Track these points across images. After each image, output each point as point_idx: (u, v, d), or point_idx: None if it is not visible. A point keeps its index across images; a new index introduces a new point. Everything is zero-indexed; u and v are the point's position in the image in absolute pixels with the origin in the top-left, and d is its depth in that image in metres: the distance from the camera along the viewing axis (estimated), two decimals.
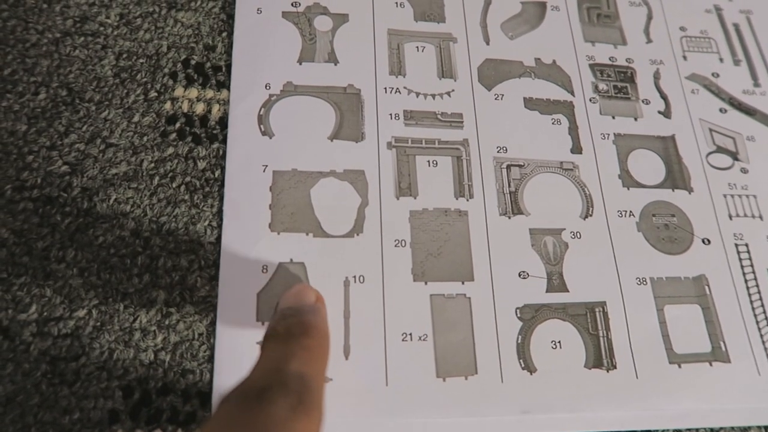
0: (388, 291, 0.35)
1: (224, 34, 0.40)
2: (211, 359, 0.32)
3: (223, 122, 0.38)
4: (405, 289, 0.35)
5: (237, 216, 0.35)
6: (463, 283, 0.36)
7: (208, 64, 0.39)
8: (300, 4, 0.42)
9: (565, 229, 0.38)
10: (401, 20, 0.43)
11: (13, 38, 0.38)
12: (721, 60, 0.46)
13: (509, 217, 0.38)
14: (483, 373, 0.34)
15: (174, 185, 0.36)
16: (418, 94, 0.40)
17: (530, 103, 0.41)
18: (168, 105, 0.38)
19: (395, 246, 0.36)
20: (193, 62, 0.39)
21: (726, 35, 0.47)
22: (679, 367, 0.36)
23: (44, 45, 0.38)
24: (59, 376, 0.31)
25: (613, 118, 0.42)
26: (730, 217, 0.40)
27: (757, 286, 0.38)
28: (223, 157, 0.37)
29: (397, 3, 0.43)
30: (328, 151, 0.38)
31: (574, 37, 0.44)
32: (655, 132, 0.42)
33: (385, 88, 0.40)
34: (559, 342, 0.35)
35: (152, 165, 0.36)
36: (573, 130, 0.41)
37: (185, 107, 0.38)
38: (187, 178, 0.36)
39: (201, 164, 0.36)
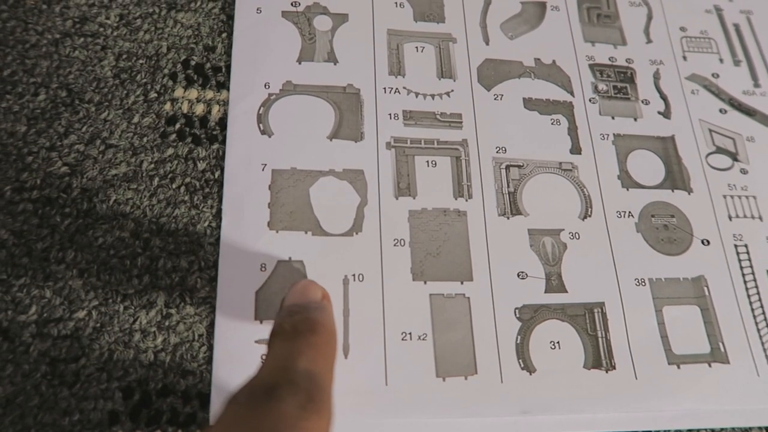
0: (387, 290, 0.35)
1: (224, 35, 0.40)
2: (211, 360, 0.32)
3: (222, 123, 0.38)
4: (404, 288, 0.35)
5: (236, 214, 0.35)
6: (462, 282, 0.36)
7: (208, 65, 0.39)
8: (300, 4, 0.42)
9: (564, 229, 0.38)
10: (401, 20, 0.42)
11: (12, 39, 0.38)
12: (721, 60, 0.46)
13: (508, 218, 0.38)
14: (483, 373, 0.34)
15: (174, 186, 0.36)
16: (417, 94, 0.40)
17: (530, 104, 0.41)
18: (168, 106, 0.38)
19: (394, 245, 0.36)
20: (192, 63, 0.39)
21: (726, 35, 0.47)
22: (678, 368, 0.36)
23: (44, 46, 0.38)
24: (59, 377, 0.31)
25: (613, 118, 0.42)
26: (730, 217, 0.40)
27: (757, 287, 0.38)
28: (223, 157, 0.37)
29: (396, 3, 0.43)
30: (327, 150, 0.38)
31: (574, 38, 0.44)
32: (655, 132, 0.42)
33: (385, 88, 0.40)
34: (558, 342, 0.35)
35: (152, 166, 0.36)
36: (572, 130, 0.41)
37: (185, 108, 0.38)
38: (187, 179, 0.36)
39: (201, 165, 0.36)
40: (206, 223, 0.35)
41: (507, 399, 0.34)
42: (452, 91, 0.41)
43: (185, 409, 0.32)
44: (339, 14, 0.42)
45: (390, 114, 0.39)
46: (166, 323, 0.33)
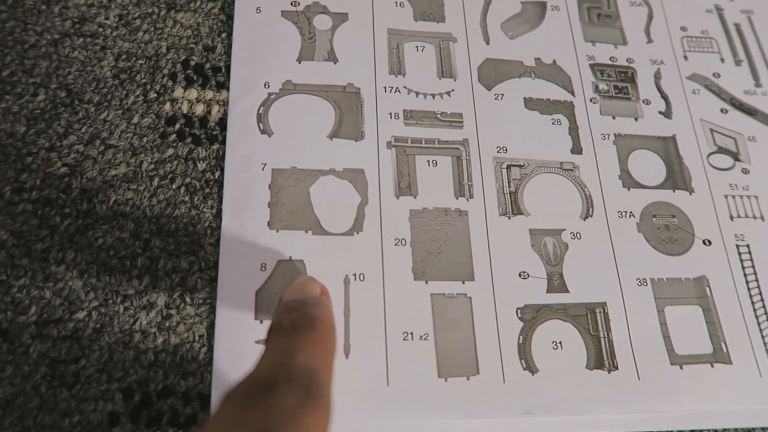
0: (388, 290, 0.35)
1: (224, 35, 0.40)
2: (211, 361, 0.32)
3: (222, 123, 0.38)
4: (405, 288, 0.35)
5: (236, 214, 0.35)
6: (463, 282, 0.36)
7: (208, 65, 0.39)
8: (299, 3, 0.42)
9: (565, 229, 0.38)
10: (401, 20, 0.42)
11: (11, 39, 0.38)
12: (722, 60, 0.46)
13: (509, 218, 0.38)
14: (484, 373, 0.34)
15: (174, 187, 0.36)
16: (417, 94, 0.40)
17: (530, 103, 0.41)
18: (167, 106, 0.38)
19: (395, 244, 0.36)
20: (192, 63, 0.39)
21: (727, 35, 0.47)
22: (681, 368, 0.36)
23: (43, 46, 0.38)
24: (59, 378, 0.31)
25: (614, 118, 0.42)
26: (731, 217, 0.40)
27: (759, 287, 0.38)
28: (223, 157, 0.37)
29: (396, 2, 0.43)
30: (327, 149, 0.38)
31: (575, 37, 0.44)
32: (656, 132, 0.42)
33: (385, 88, 0.40)
34: (560, 343, 0.35)
35: (152, 166, 0.36)
36: (573, 130, 0.41)
37: (185, 108, 0.38)
38: (187, 180, 0.36)
39: (201, 165, 0.36)
40: (206, 224, 0.35)
41: (509, 399, 0.34)
42: (453, 90, 0.41)
43: (186, 410, 0.31)
44: (339, 13, 0.42)
45: (390, 113, 0.39)
46: (167, 324, 0.33)
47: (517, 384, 0.34)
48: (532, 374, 0.34)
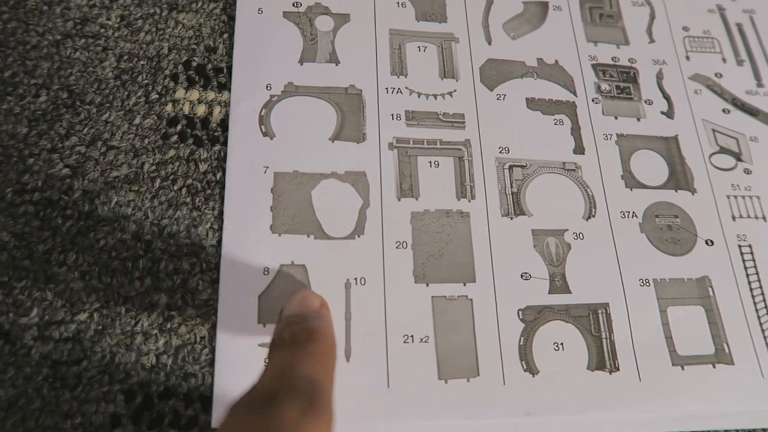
0: (389, 293, 0.35)
1: (225, 36, 0.40)
2: (213, 363, 0.32)
3: (224, 124, 0.37)
4: (406, 291, 0.35)
5: (238, 218, 0.35)
6: (464, 284, 0.36)
7: (210, 66, 0.39)
8: (301, 5, 0.42)
9: (567, 230, 0.38)
10: (403, 20, 0.42)
11: (13, 40, 0.38)
12: (724, 60, 0.46)
13: (511, 218, 0.38)
14: (485, 375, 0.34)
15: (175, 188, 0.36)
16: (419, 95, 0.40)
17: (532, 104, 0.41)
18: (169, 107, 0.38)
19: (396, 247, 0.36)
20: (194, 64, 0.39)
21: (729, 35, 0.47)
22: (683, 369, 0.36)
23: (45, 47, 0.38)
24: (60, 380, 0.31)
25: (616, 118, 0.42)
26: (734, 218, 0.40)
27: (761, 287, 0.38)
28: (225, 159, 0.37)
29: (398, 3, 0.43)
30: (329, 152, 0.38)
31: (577, 37, 0.44)
32: (658, 132, 0.42)
33: (387, 89, 0.40)
34: (562, 344, 0.35)
35: (153, 167, 0.36)
36: (575, 130, 0.41)
37: (186, 109, 0.38)
38: (189, 181, 0.36)
39: (202, 167, 0.36)
40: (208, 225, 0.35)
41: (510, 401, 0.34)
42: (455, 91, 0.41)
43: (187, 412, 0.31)
44: (340, 14, 0.42)
45: (392, 114, 0.39)
46: (168, 326, 0.33)
47: (518, 385, 0.34)
48: (533, 376, 0.34)
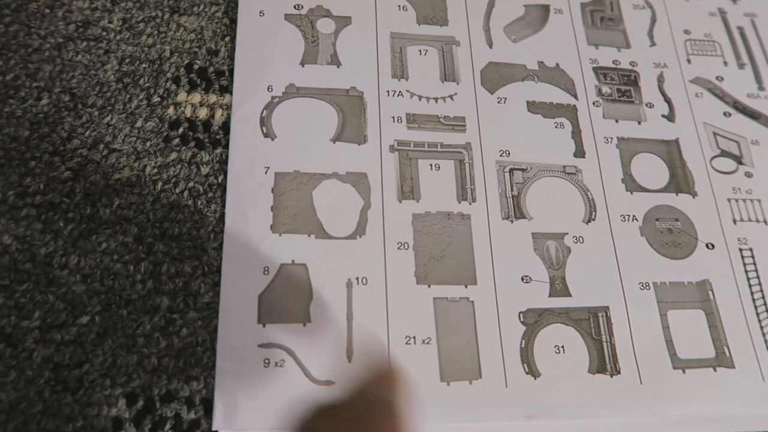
0: (391, 294, 0.35)
1: (227, 39, 0.40)
2: (214, 365, 0.32)
3: (226, 127, 0.38)
4: (408, 292, 0.35)
5: (239, 217, 0.35)
6: (466, 286, 0.36)
7: (211, 69, 0.39)
8: (302, 7, 0.42)
9: (567, 233, 0.38)
10: (404, 23, 0.42)
11: (15, 43, 0.38)
12: (726, 63, 0.46)
13: (512, 221, 0.38)
14: (487, 377, 0.34)
15: (177, 191, 0.36)
16: (420, 98, 0.40)
17: (533, 107, 0.41)
18: (171, 110, 0.38)
19: (398, 248, 0.36)
20: (196, 67, 0.39)
21: (730, 38, 0.47)
22: (683, 372, 0.36)
23: (47, 50, 0.38)
24: (62, 383, 0.31)
25: (617, 121, 0.42)
26: (734, 221, 0.40)
27: (762, 290, 0.38)
28: (227, 162, 0.37)
29: (399, 6, 0.43)
30: (330, 153, 0.38)
31: (578, 41, 0.44)
32: (659, 136, 0.42)
33: (388, 91, 0.40)
34: (563, 347, 0.35)
35: (155, 170, 0.36)
36: (576, 133, 0.41)
37: (188, 112, 0.38)
38: (191, 184, 0.36)
39: (204, 169, 0.36)
40: (210, 228, 0.35)
41: (511, 403, 0.34)
42: (455, 94, 0.41)
43: (189, 415, 0.32)
44: (342, 17, 0.42)
45: (393, 117, 0.39)
46: (170, 328, 0.33)
47: (520, 388, 0.34)
48: (534, 378, 0.34)
